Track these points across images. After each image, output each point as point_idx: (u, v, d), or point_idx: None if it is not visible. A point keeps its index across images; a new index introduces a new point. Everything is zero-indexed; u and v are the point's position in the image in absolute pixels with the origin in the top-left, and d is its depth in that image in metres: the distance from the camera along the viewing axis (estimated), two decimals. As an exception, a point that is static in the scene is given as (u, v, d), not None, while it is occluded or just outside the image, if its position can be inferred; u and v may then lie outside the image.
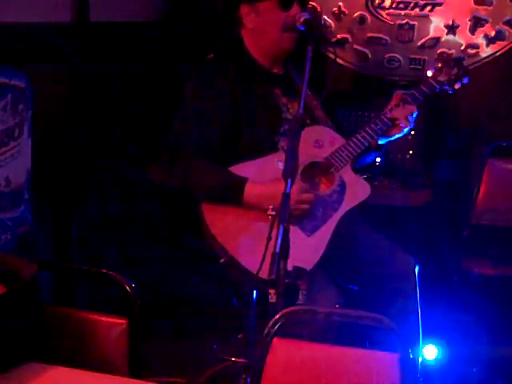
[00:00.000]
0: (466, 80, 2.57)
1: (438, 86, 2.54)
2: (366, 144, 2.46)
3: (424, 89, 2.53)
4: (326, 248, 2.34)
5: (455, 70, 2.56)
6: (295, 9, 2.42)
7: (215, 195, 2.37)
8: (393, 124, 2.50)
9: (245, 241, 2.31)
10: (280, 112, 2.52)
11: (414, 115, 2.51)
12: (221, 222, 2.36)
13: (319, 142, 2.47)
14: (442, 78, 2.55)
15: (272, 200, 2.22)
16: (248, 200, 2.34)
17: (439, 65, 2.57)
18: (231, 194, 2.35)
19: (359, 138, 2.46)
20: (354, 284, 2.59)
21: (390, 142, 2.58)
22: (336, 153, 2.44)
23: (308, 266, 2.21)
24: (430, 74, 2.56)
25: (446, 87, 2.56)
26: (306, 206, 2.35)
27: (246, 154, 2.43)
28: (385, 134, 2.53)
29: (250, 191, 2.34)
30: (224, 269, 2.35)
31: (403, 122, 2.49)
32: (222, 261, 2.32)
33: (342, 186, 2.43)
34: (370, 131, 2.47)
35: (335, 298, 2.39)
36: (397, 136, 2.54)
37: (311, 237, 2.35)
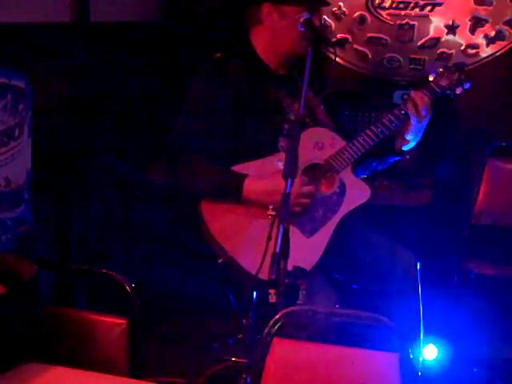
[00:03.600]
0: (467, 85, 2.55)
1: (439, 91, 2.53)
2: (367, 147, 2.45)
3: (426, 93, 2.52)
4: (324, 249, 2.34)
5: (457, 75, 2.55)
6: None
7: (215, 192, 2.37)
8: (404, 117, 2.49)
9: (244, 241, 2.31)
10: (284, 113, 2.52)
11: (426, 103, 2.48)
12: (220, 222, 2.36)
13: (320, 143, 2.46)
14: (443, 83, 2.54)
15: (272, 196, 2.23)
16: (247, 196, 2.34)
17: (441, 69, 2.56)
18: (230, 190, 2.35)
19: (360, 140, 2.45)
20: (355, 283, 2.59)
21: (413, 147, 2.56)
22: (336, 155, 2.44)
23: (308, 267, 2.21)
24: (431, 78, 2.55)
25: (448, 92, 2.55)
26: (306, 201, 2.35)
27: (248, 154, 2.43)
28: (401, 132, 2.51)
29: (250, 187, 2.34)
30: (223, 269, 2.35)
31: (411, 111, 2.48)
32: (220, 261, 2.32)
33: (342, 188, 2.43)
34: (370, 134, 2.46)
35: (334, 299, 2.39)
36: (411, 131, 2.50)
37: (310, 238, 2.35)
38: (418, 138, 2.55)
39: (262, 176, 2.36)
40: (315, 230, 2.37)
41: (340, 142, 2.47)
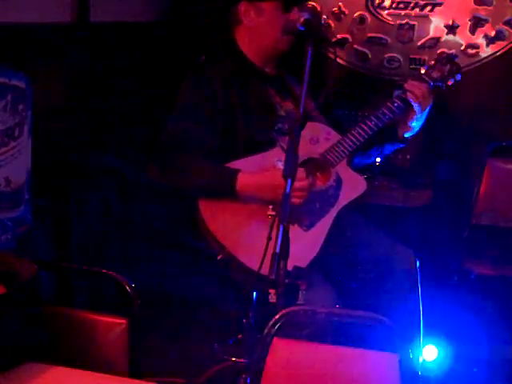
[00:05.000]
0: (458, 77, 2.60)
1: (431, 83, 2.56)
2: (362, 140, 2.47)
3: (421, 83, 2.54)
4: (322, 244, 2.34)
5: (448, 67, 2.58)
6: (295, 12, 2.44)
7: (209, 189, 2.38)
8: (397, 109, 2.50)
9: (242, 237, 2.32)
10: (274, 109, 2.53)
11: (424, 92, 2.51)
12: (218, 219, 2.36)
13: (315, 138, 2.47)
14: (435, 75, 2.57)
15: (266, 190, 2.25)
16: (242, 191, 2.34)
17: (432, 62, 2.61)
18: (224, 185, 2.35)
19: (354, 133, 2.47)
20: (354, 282, 2.59)
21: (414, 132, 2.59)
22: (332, 149, 2.45)
23: (307, 260, 2.22)
24: (423, 70, 2.60)
25: (439, 84, 2.58)
26: (304, 193, 2.34)
27: (242, 151, 2.44)
28: (404, 119, 2.53)
29: (243, 182, 2.34)
30: (223, 267, 2.35)
31: (412, 98, 2.49)
32: (219, 257, 2.33)
33: (338, 182, 2.44)
34: (364, 127, 2.48)
35: (334, 298, 2.39)
36: (415, 119, 2.53)
37: (308, 232, 2.36)
38: (421, 124, 2.56)
39: (256, 170, 2.36)
40: (313, 223, 2.38)
41: (335, 136, 2.49)
